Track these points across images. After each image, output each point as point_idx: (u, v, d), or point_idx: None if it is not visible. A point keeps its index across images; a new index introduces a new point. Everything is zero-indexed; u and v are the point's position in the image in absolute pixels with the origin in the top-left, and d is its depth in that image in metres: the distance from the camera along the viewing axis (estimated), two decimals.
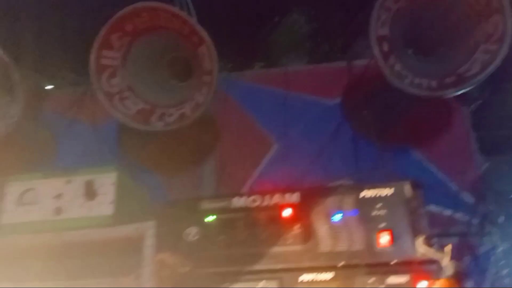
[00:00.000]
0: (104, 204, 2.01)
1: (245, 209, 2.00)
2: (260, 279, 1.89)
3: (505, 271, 2.41)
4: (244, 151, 2.79)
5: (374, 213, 1.91)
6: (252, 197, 2.03)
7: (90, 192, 2.02)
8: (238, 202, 2.03)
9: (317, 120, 2.82)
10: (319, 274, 1.86)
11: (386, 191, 1.93)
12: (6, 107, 2.67)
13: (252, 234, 1.96)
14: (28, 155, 2.69)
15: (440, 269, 1.78)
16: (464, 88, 2.36)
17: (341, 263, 1.86)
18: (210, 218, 2.01)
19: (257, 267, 1.91)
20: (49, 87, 3.03)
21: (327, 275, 1.86)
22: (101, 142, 2.75)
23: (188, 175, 2.73)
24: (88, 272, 1.99)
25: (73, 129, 2.86)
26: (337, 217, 1.93)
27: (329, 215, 1.94)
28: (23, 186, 2.07)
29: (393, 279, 1.81)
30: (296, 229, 1.93)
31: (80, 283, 1.98)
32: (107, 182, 2.05)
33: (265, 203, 2.01)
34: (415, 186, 1.95)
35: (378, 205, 1.92)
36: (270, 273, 1.89)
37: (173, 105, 2.60)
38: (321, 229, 1.93)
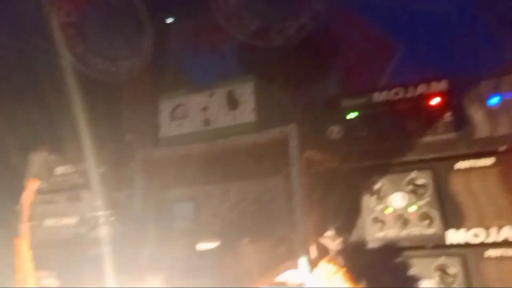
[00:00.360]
0: (247, 112, 2.11)
1: (387, 103, 1.95)
2: (411, 170, 1.86)
3: None
4: (368, 58, 2.68)
5: None
6: (394, 90, 1.96)
7: (232, 102, 2.14)
8: (380, 96, 1.98)
9: (445, 16, 2.58)
10: (477, 160, 1.77)
11: None
12: (138, 44, 2.91)
13: (398, 126, 1.91)
14: (162, 86, 2.92)
15: None
16: None
17: (503, 147, 1.74)
18: (352, 115, 2.01)
19: (407, 158, 1.87)
20: (169, 20, 3.20)
21: (486, 161, 1.75)
22: (227, 65, 2.86)
23: (314, 87, 2.73)
24: (238, 175, 2.16)
25: (198, 57, 3.01)
26: (494, 100, 1.79)
27: (484, 99, 1.80)
28: (174, 102, 2.27)
29: None
30: (447, 117, 1.83)
31: (232, 185, 2.16)
32: (246, 91, 2.14)
33: (409, 94, 1.93)
34: None
35: None
36: (421, 163, 1.85)
37: (290, 18, 2.58)
38: (476, 115, 1.80)
